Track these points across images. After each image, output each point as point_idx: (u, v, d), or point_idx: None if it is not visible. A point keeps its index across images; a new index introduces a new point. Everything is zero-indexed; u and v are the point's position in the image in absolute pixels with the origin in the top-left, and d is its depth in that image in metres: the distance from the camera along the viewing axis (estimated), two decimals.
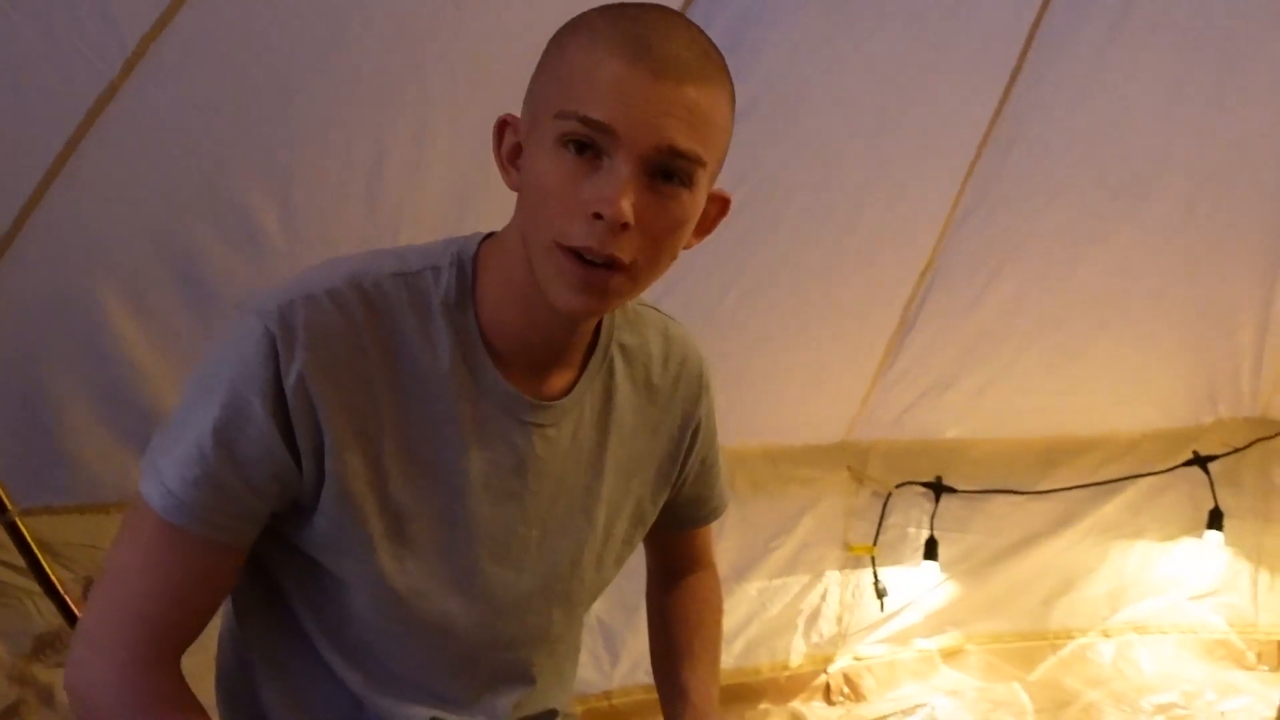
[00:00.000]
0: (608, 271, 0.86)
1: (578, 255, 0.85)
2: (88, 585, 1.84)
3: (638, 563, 1.23)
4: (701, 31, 0.90)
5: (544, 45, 0.91)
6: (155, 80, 1.52)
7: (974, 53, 2.15)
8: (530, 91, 0.90)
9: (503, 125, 0.93)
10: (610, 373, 1.05)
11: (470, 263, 0.95)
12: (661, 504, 1.14)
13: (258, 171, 1.71)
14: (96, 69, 1.49)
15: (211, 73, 1.59)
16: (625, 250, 0.85)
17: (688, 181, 0.86)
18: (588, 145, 0.84)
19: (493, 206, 1.79)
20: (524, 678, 1.09)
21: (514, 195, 0.93)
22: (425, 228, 1.85)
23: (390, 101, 1.75)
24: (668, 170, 0.85)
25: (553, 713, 1.14)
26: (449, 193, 1.87)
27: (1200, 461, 2.99)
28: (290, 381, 0.87)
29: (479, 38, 1.74)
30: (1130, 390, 2.86)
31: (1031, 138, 2.30)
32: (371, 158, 1.78)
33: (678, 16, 0.90)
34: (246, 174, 1.70)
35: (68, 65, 1.47)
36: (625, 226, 0.83)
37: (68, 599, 1.81)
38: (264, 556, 0.97)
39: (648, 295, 1.00)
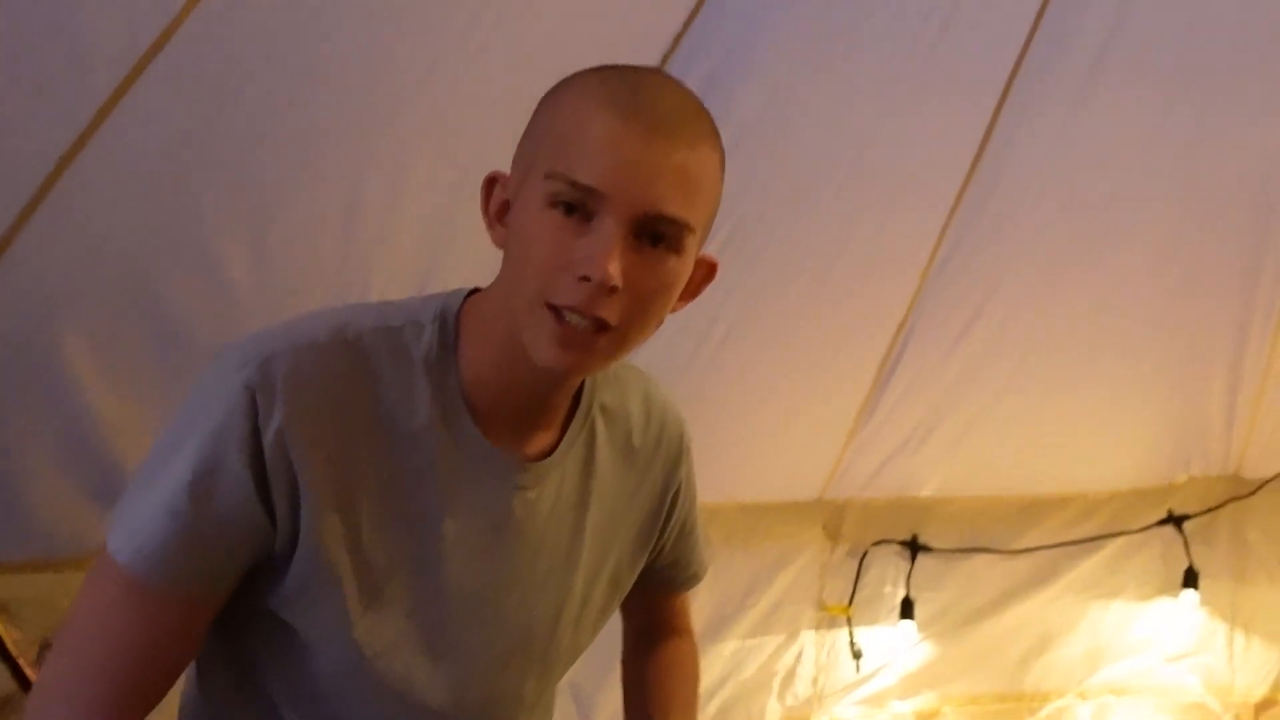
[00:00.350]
0: (593, 332, 0.85)
1: (562, 314, 0.84)
2: (44, 647, 1.78)
3: (611, 620, 1.21)
4: (692, 94, 0.90)
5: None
6: (127, 124, 1.52)
7: (951, 100, 2.18)
8: (520, 149, 0.90)
9: (491, 182, 0.92)
10: (592, 434, 1.03)
11: (453, 319, 0.94)
12: (640, 568, 1.13)
13: (229, 217, 1.70)
14: (69, 114, 1.48)
15: (184, 117, 1.59)
16: (611, 312, 0.84)
17: (676, 246, 0.86)
18: (576, 206, 0.83)
19: (466, 255, 1.81)
20: None
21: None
22: (397, 275, 1.85)
23: (364, 149, 1.75)
24: (656, 234, 0.85)
25: None
26: (422, 241, 1.87)
27: (1175, 521, 2.99)
28: (269, 436, 0.85)
29: (454, 87, 1.76)
30: (1102, 446, 2.86)
31: (1006, 188, 2.32)
32: (344, 204, 1.78)
33: (668, 79, 0.91)
34: (218, 219, 1.70)
35: (39, 111, 1.46)
36: (613, 289, 0.83)
37: (20, 661, 1.76)
38: (229, 615, 0.94)
39: None
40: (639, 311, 0.86)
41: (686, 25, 1.92)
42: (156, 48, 1.46)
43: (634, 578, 1.12)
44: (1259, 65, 2.28)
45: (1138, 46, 2.18)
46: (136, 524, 0.85)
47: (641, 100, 0.84)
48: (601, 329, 0.85)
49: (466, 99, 1.75)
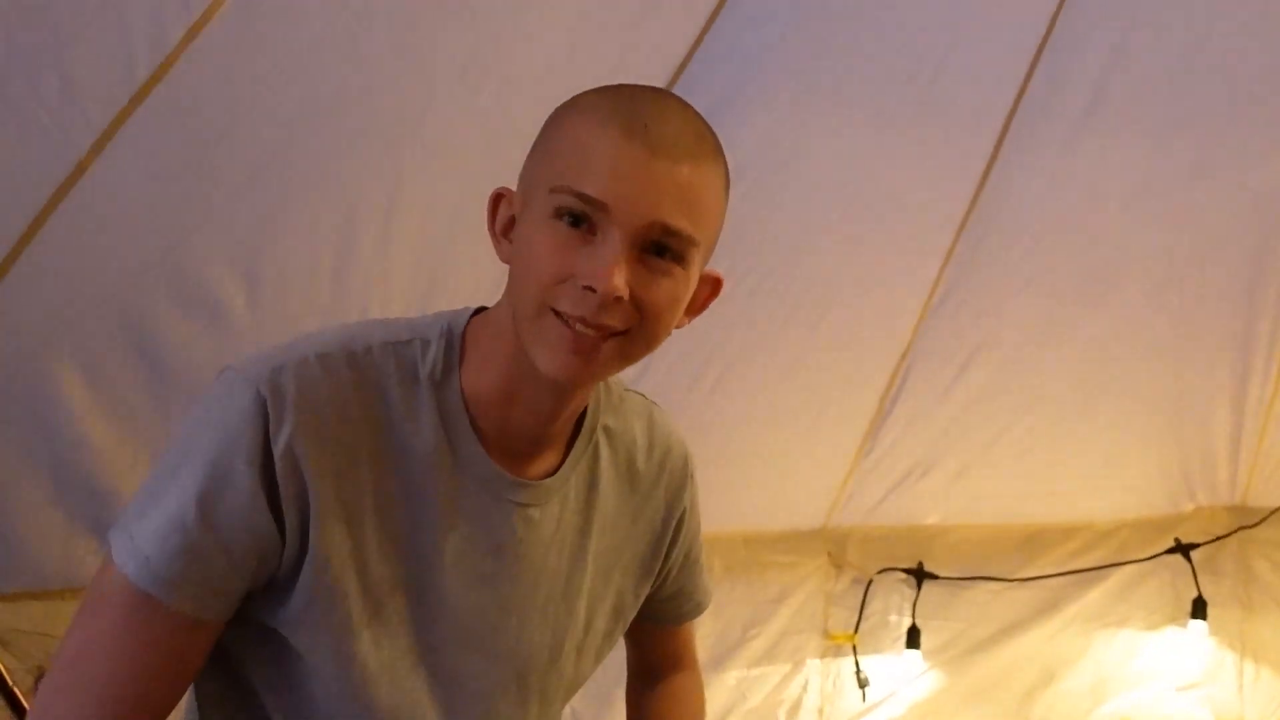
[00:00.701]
0: (598, 338, 0.85)
1: (568, 321, 0.84)
2: (39, 676, 1.77)
3: (614, 650, 1.20)
4: (696, 112, 0.90)
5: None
6: (123, 155, 1.53)
7: (949, 138, 2.19)
8: (526, 166, 0.91)
9: (497, 198, 0.93)
10: (595, 456, 1.03)
11: (459, 336, 0.94)
12: (643, 597, 1.12)
13: (224, 248, 1.71)
14: (63, 146, 1.49)
15: (179, 148, 1.60)
16: (616, 321, 0.85)
17: (680, 260, 0.86)
18: (582, 219, 0.84)
19: (461, 285, 1.81)
20: None
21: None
22: (393, 305, 1.85)
23: (361, 180, 1.77)
24: (660, 247, 0.85)
25: None
26: (417, 270, 1.88)
27: (1182, 550, 2.97)
28: (279, 447, 0.84)
29: (450, 118, 1.77)
30: (1107, 476, 2.85)
31: (1005, 225, 2.33)
32: (340, 235, 1.79)
33: (673, 97, 0.92)
34: (212, 250, 1.71)
35: (34, 142, 1.47)
36: (618, 300, 0.83)
37: (16, 690, 1.75)
38: (229, 637, 0.92)
39: (624, 377, 0.99)
40: (644, 322, 0.86)
41: (682, 65, 1.95)
42: (152, 82, 1.48)
43: (637, 606, 1.11)
44: (1253, 106, 2.29)
45: (1134, 87, 2.20)
46: (142, 538, 0.84)
47: (645, 118, 0.84)
48: (606, 335, 0.85)
49: (462, 133, 1.77)
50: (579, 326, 0.84)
